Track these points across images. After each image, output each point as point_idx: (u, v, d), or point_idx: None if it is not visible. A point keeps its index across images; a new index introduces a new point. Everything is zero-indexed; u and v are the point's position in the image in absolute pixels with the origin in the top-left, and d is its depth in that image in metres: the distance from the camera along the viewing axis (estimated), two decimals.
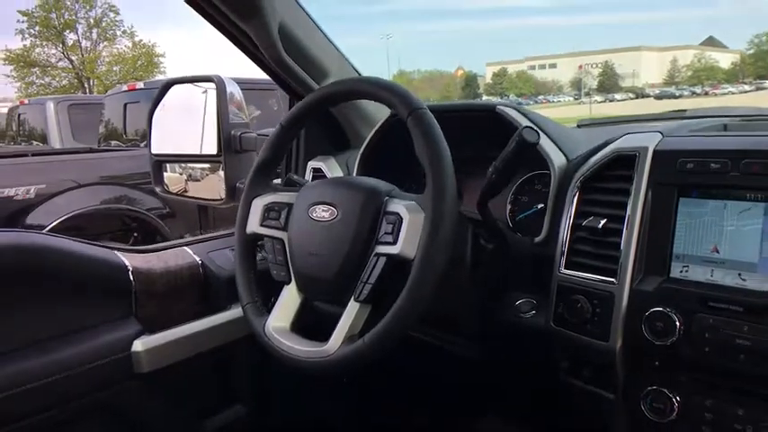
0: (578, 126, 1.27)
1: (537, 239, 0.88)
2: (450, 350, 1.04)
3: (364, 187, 0.80)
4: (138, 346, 0.98)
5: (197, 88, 1.36)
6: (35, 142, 5.67)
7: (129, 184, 3.56)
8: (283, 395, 1.25)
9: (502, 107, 0.95)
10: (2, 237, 0.90)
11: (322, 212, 0.81)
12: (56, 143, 5.11)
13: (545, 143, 0.89)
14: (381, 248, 0.75)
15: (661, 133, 0.79)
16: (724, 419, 0.68)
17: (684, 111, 1.19)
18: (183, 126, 1.42)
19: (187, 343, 1.05)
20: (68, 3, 23.15)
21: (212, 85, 1.28)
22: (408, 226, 0.73)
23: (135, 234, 3.60)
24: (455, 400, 1.20)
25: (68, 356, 0.91)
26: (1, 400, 0.82)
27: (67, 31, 23.38)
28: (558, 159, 0.88)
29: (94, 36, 24.18)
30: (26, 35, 22.75)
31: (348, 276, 0.77)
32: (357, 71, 1.26)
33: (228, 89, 1.30)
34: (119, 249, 1.06)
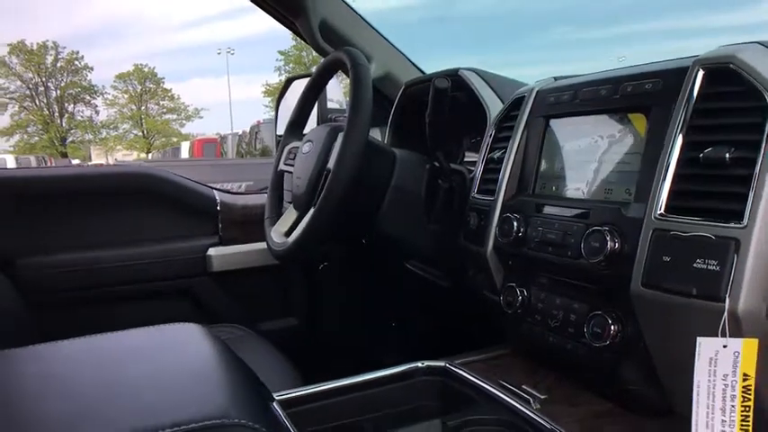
0: None
1: (471, 175, 1.04)
2: (434, 281, 1.23)
3: (329, 128, 1.08)
4: (212, 251, 1.39)
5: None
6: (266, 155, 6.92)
7: None
8: (329, 313, 1.55)
9: (464, 71, 1.13)
10: (130, 167, 1.38)
11: (307, 148, 1.11)
12: None
13: (487, 96, 1.06)
14: (327, 167, 1.02)
15: (555, 79, 0.90)
16: (548, 308, 0.78)
17: None
18: None
19: (251, 257, 1.43)
20: None
21: None
22: (337, 150, 0.98)
23: None
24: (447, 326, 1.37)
25: (162, 250, 1.35)
26: (117, 268, 1.29)
27: (314, 67, 27.23)
28: (494, 107, 1.04)
29: None
30: (282, 71, 27.20)
31: (312, 191, 1.05)
32: (406, 57, 1.51)
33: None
34: (216, 189, 1.50)
